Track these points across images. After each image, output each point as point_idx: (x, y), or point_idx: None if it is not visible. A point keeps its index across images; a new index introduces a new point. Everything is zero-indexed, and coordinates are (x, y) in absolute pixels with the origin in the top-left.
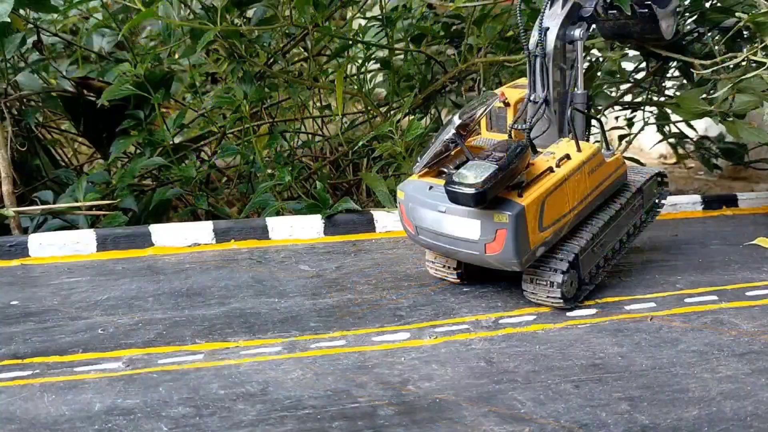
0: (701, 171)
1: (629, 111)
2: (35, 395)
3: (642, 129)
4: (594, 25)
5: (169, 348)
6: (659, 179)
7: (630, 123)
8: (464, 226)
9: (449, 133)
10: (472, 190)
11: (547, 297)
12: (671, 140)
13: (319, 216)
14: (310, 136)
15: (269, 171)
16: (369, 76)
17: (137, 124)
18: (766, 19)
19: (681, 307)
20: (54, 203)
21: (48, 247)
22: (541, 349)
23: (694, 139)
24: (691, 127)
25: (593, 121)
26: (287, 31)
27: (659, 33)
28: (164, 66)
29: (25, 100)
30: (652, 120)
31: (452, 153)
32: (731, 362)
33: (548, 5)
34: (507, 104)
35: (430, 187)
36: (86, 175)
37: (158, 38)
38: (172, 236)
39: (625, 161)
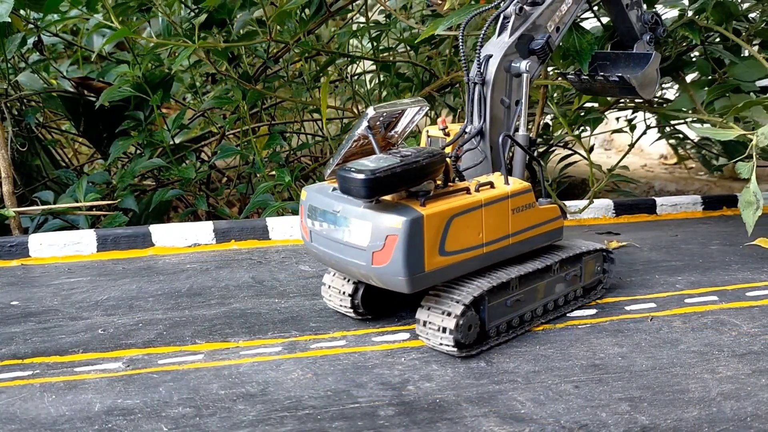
0: (702, 171)
1: (631, 112)
2: (35, 395)
3: (644, 132)
4: (554, 65)
5: (169, 348)
6: (605, 256)
7: (632, 126)
8: (355, 230)
9: (361, 126)
10: (362, 176)
11: (440, 342)
12: (672, 141)
13: None
14: (308, 136)
15: (269, 172)
16: (369, 76)
17: (137, 125)
18: None
19: (681, 307)
20: (54, 203)
21: (48, 247)
22: (542, 350)
23: (695, 140)
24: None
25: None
26: (266, 47)
27: (637, 95)
28: (164, 67)
29: (25, 100)
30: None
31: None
32: (731, 363)
33: (496, 33)
34: (447, 133)
35: (334, 189)
36: (86, 176)
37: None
38: (173, 236)
39: (561, 217)
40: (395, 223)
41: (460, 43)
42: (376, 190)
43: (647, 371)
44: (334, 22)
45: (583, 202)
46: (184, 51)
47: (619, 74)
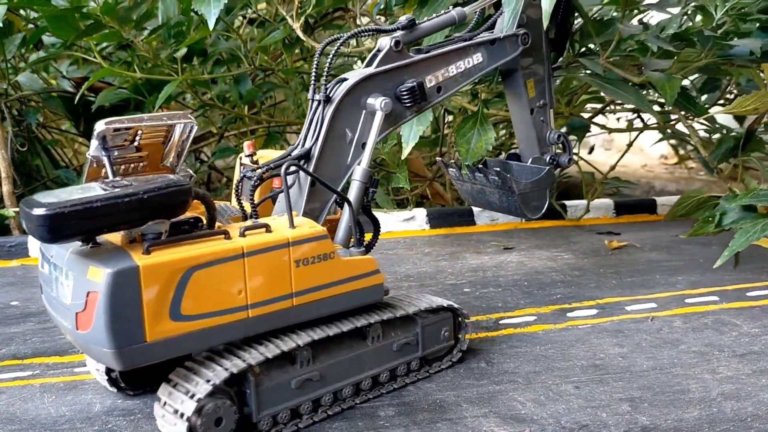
0: (702, 171)
1: (631, 113)
2: (35, 396)
3: (641, 131)
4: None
5: None
6: (457, 317)
7: (630, 126)
8: (62, 282)
9: (92, 146)
10: (39, 212)
11: None
12: (672, 141)
13: None
14: None
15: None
16: None
17: None
18: None
19: (682, 307)
20: None
21: None
22: (542, 350)
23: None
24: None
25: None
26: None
27: (520, 211)
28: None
29: (25, 100)
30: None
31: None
32: (732, 363)
33: (365, 63)
34: (255, 161)
35: None
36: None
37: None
38: None
39: (380, 272)
40: (96, 275)
41: (316, 58)
42: (58, 231)
43: (648, 371)
44: (327, 32)
45: (583, 203)
46: (169, 86)
47: (500, 172)
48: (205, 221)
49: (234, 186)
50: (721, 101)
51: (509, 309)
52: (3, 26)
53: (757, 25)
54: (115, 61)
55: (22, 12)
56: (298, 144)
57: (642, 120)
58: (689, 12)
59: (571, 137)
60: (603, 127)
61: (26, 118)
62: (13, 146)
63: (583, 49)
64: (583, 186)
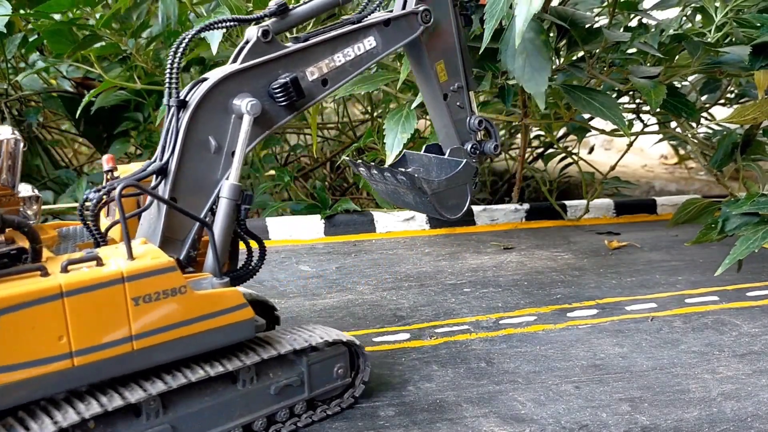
0: (702, 171)
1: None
2: None
3: (640, 132)
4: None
5: None
6: (353, 351)
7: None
8: None
9: None
10: None
11: None
12: (672, 141)
13: (318, 216)
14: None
15: (268, 172)
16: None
17: (137, 126)
18: None
19: (682, 307)
20: (54, 203)
21: None
22: (542, 350)
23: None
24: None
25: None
26: None
27: (435, 211)
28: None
29: (25, 100)
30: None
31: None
32: (732, 363)
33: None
34: (113, 177)
35: None
36: (86, 176)
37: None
38: None
39: (247, 306)
40: None
41: (172, 55)
42: None
43: (648, 371)
44: None
45: (583, 203)
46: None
47: (408, 172)
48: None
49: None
50: (722, 101)
51: (509, 309)
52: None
53: (759, 24)
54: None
55: (21, 11)
56: (156, 157)
57: (642, 121)
58: (689, 13)
59: (571, 138)
60: (602, 131)
61: (26, 118)
62: None
63: (574, 57)
64: (583, 186)
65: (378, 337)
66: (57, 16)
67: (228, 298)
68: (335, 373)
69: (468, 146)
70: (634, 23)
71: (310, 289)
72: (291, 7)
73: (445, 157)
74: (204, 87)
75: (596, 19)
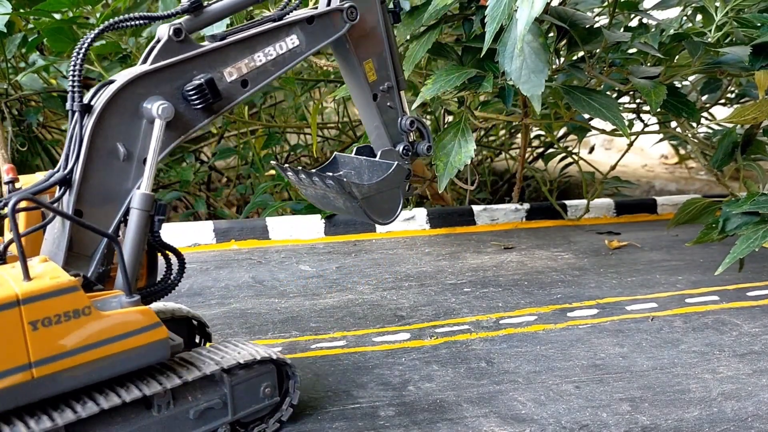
0: (702, 171)
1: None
2: None
3: (640, 133)
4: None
5: None
6: (286, 370)
7: (630, 126)
8: None
9: None
10: None
11: None
12: (673, 141)
13: (318, 216)
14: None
15: (267, 172)
16: None
17: None
18: None
19: (682, 307)
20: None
21: None
22: (542, 350)
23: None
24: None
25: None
26: None
27: (366, 216)
28: None
29: (25, 100)
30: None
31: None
32: (732, 363)
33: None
34: (12, 189)
35: None
36: None
37: None
38: (173, 236)
39: (161, 326)
40: None
41: (73, 63)
42: None
43: (648, 371)
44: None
45: (583, 203)
46: None
47: (336, 176)
48: None
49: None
50: (722, 101)
51: (509, 309)
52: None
53: (759, 24)
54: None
55: (21, 10)
56: (59, 167)
57: (642, 121)
58: (689, 13)
59: (572, 137)
60: (603, 131)
61: (26, 118)
62: (13, 146)
63: (575, 58)
64: (583, 186)
65: (378, 336)
66: (57, 15)
67: (138, 317)
68: (262, 393)
69: (400, 147)
70: (634, 23)
71: (310, 288)
72: (206, 4)
73: (377, 159)
74: (110, 90)
75: (596, 19)
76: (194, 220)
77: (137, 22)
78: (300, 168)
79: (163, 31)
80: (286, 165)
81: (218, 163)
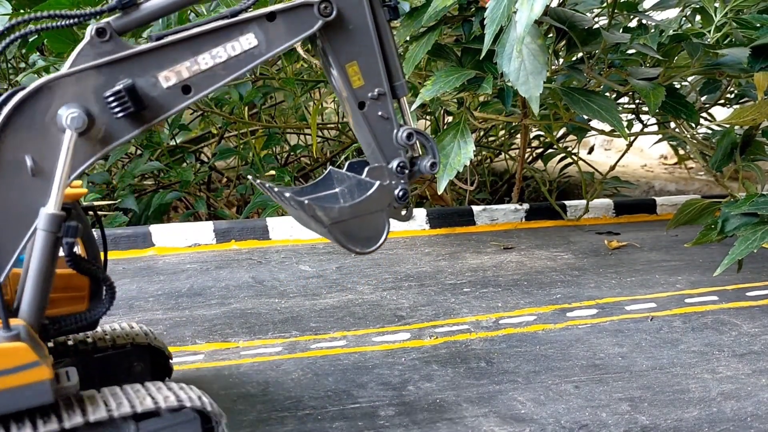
0: (701, 172)
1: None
2: None
3: (639, 133)
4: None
5: (169, 348)
6: (206, 418)
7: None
8: None
9: None
10: None
11: None
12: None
13: None
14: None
15: (268, 172)
16: None
17: None
18: None
19: (681, 307)
20: None
21: None
22: (542, 350)
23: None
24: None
25: None
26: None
27: (341, 243)
28: None
29: None
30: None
31: None
32: (732, 363)
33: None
34: None
35: None
36: (86, 176)
37: None
38: (173, 237)
39: (40, 364)
40: None
41: None
42: None
43: (647, 371)
44: None
45: (582, 203)
46: None
47: (298, 198)
48: None
49: None
50: (722, 101)
51: (509, 309)
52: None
53: (758, 25)
54: None
55: (21, 10)
56: None
57: (641, 121)
58: (688, 14)
59: (571, 138)
60: (602, 131)
61: None
62: None
63: (574, 58)
64: (583, 186)
65: (378, 336)
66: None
67: (12, 355)
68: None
69: (394, 164)
70: (633, 24)
71: (310, 289)
72: (140, 1)
73: (363, 177)
74: (17, 97)
75: (595, 20)
76: (194, 220)
77: (62, 23)
78: (269, 185)
79: (87, 31)
80: (259, 181)
81: (218, 164)
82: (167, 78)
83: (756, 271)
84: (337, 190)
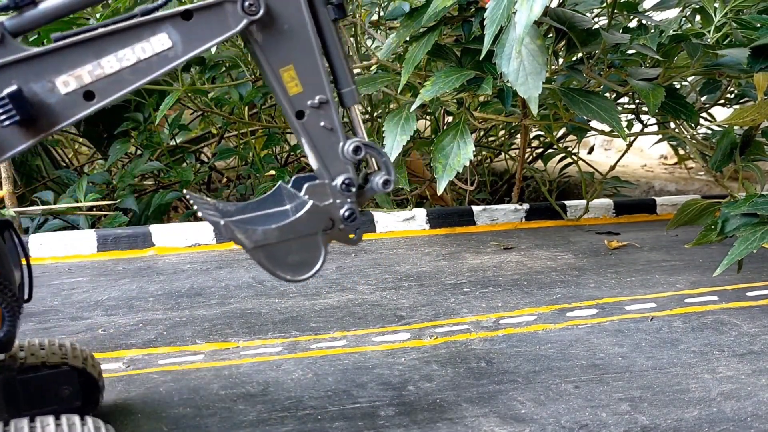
0: (701, 172)
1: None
2: None
3: (639, 133)
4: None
5: (169, 348)
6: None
7: (629, 126)
8: None
9: None
10: None
11: None
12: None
13: None
14: None
15: (267, 172)
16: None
17: (137, 126)
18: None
19: (681, 307)
20: (54, 204)
21: (48, 247)
22: (542, 350)
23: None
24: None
25: None
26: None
27: (270, 270)
28: None
29: None
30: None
31: None
32: (731, 363)
33: None
34: None
35: None
36: (87, 176)
37: None
38: (173, 236)
39: None
40: None
41: None
42: None
43: (647, 371)
44: None
45: (582, 203)
46: (169, 97)
47: (212, 217)
48: None
49: None
50: (722, 101)
51: (509, 309)
52: None
53: (758, 25)
54: None
55: None
56: None
57: (641, 121)
58: (688, 14)
59: (571, 138)
60: (602, 131)
61: None
62: None
63: (574, 59)
64: (583, 186)
65: (378, 336)
66: None
67: None
68: None
69: (339, 181)
70: (633, 24)
71: (310, 288)
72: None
73: (302, 195)
74: None
75: (595, 20)
76: (194, 220)
77: None
78: (197, 197)
79: None
80: (188, 194)
81: (218, 164)
82: (66, 83)
83: (756, 271)
84: (288, 206)
